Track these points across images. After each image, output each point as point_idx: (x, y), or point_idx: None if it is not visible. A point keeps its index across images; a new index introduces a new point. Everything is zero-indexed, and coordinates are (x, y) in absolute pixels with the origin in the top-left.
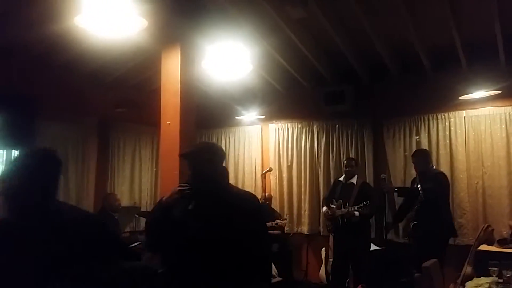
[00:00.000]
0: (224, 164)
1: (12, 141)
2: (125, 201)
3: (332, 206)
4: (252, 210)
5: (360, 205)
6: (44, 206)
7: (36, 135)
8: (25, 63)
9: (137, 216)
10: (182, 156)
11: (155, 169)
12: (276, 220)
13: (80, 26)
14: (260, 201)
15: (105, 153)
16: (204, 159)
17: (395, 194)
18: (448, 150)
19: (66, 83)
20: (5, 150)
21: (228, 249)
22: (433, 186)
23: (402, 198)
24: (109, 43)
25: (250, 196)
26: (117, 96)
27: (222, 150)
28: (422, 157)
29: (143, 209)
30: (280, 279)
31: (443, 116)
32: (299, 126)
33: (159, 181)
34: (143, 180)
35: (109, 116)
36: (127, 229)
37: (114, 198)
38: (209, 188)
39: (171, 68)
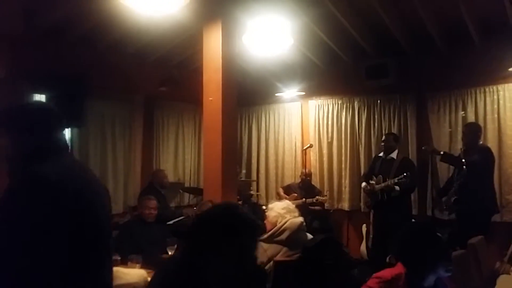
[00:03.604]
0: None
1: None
2: (170, 177)
3: (372, 182)
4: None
5: (400, 176)
6: None
7: (85, 113)
8: (73, 43)
9: (181, 191)
10: None
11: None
12: (317, 197)
13: (125, 3)
14: (301, 178)
15: (150, 131)
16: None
17: (438, 158)
18: (496, 124)
19: (112, 62)
20: None
21: None
22: (478, 160)
23: (448, 174)
24: (152, 22)
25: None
26: (160, 74)
27: (40, 110)
28: (474, 131)
29: (186, 185)
30: None
31: (491, 89)
32: (339, 102)
33: (202, 156)
34: (186, 156)
35: (154, 94)
36: (172, 204)
37: (163, 175)
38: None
39: (212, 44)
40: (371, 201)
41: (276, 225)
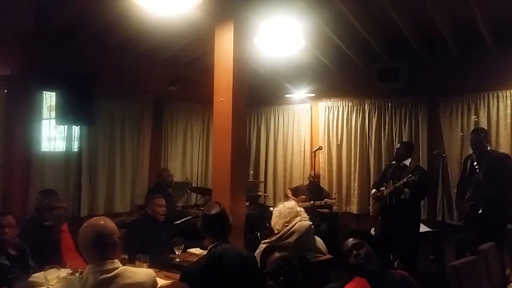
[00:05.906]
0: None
1: (72, 118)
2: (177, 177)
3: (382, 188)
4: None
5: (409, 176)
6: None
7: (95, 112)
8: (84, 42)
9: (189, 191)
10: None
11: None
12: (325, 199)
13: (137, 3)
14: (309, 180)
15: (159, 130)
16: None
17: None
18: (509, 130)
19: (122, 61)
20: (65, 126)
21: None
22: (500, 168)
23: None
24: (164, 22)
25: None
26: (170, 74)
27: None
28: (479, 135)
29: (194, 184)
30: (330, 256)
31: (504, 94)
32: (349, 104)
33: (211, 157)
34: (194, 156)
35: (163, 93)
36: (180, 204)
37: (167, 174)
38: None
39: (224, 45)
40: (379, 207)
41: (283, 228)
